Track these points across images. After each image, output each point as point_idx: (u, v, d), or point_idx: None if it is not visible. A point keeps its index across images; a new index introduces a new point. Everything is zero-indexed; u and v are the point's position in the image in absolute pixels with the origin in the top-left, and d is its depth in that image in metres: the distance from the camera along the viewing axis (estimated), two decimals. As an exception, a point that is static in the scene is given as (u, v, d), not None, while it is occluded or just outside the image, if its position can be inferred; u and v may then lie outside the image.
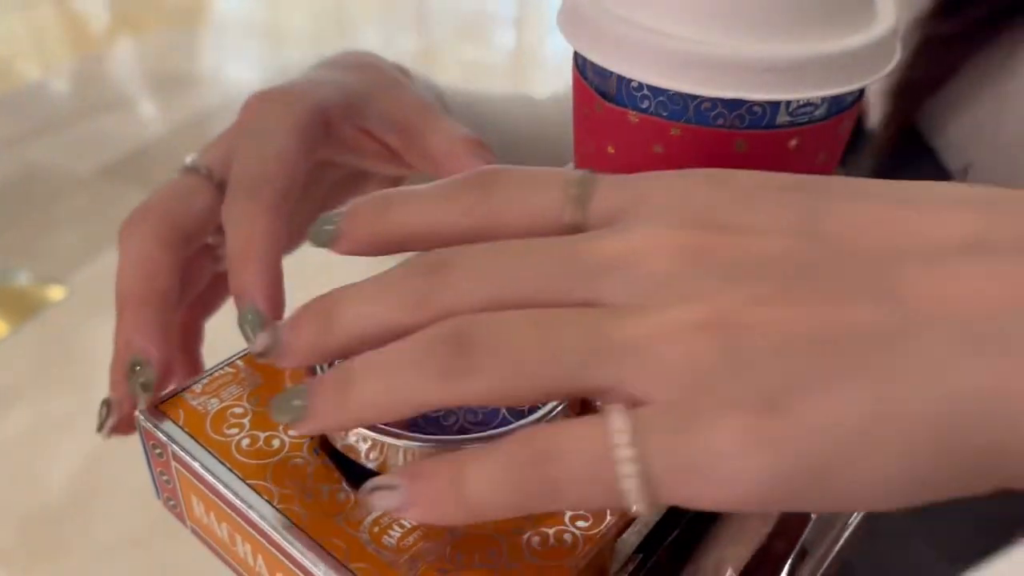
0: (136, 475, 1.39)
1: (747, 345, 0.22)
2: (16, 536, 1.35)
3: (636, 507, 0.22)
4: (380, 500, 0.25)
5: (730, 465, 0.21)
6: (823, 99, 0.35)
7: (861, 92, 0.37)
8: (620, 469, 0.22)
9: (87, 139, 2.42)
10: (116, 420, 0.35)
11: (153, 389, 0.33)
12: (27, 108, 2.58)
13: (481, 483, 0.24)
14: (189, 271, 0.37)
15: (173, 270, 0.35)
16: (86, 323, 1.75)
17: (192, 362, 0.41)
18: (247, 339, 0.31)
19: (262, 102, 0.37)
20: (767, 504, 0.22)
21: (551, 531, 0.30)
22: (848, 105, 0.37)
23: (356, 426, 0.29)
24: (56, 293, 1.85)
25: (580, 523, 0.30)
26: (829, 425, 0.21)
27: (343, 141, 0.38)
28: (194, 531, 0.34)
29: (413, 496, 0.25)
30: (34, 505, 1.40)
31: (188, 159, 0.37)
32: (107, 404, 0.35)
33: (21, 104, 2.60)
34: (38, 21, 3.15)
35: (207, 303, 0.41)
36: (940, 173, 0.48)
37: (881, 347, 0.21)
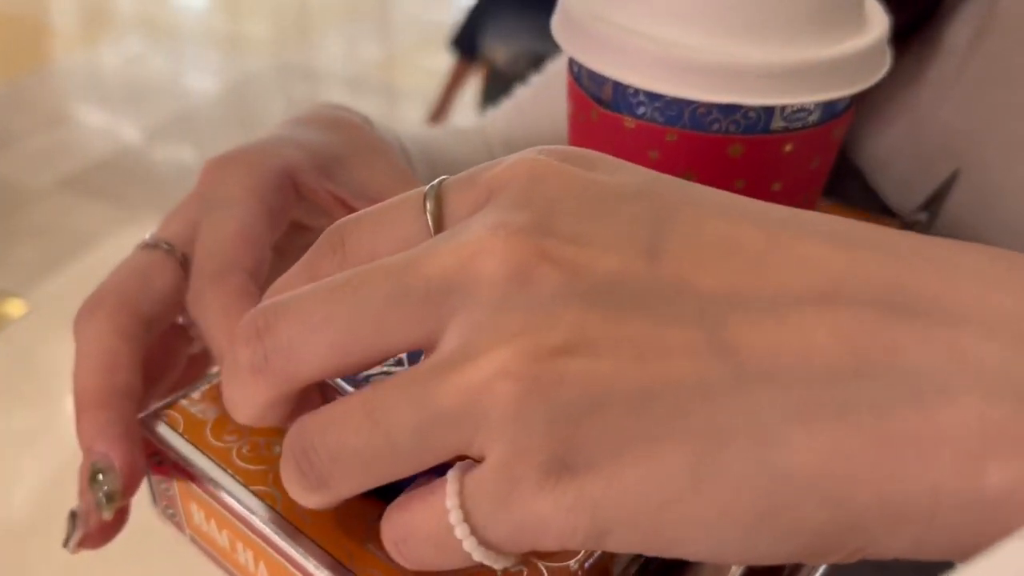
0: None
1: (566, 400, 0.21)
2: (-22, 556, 1.33)
3: (488, 564, 0.23)
4: None
5: (556, 526, 0.21)
6: (817, 105, 0.35)
7: (853, 99, 0.38)
8: (462, 542, 0.22)
9: (44, 151, 2.38)
10: (82, 534, 0.32)
11: (119, 498, 0.31)
12: (-17, 120, 2.54)
13: None
14: (160, 358, 0.35)
15: (134, 363, 0.32)
16: (47, 338, 1.73)
17: None
18: None
19: (222, 167, 0.34)
20: (608, 549, 0.22)
21: None
22: (841, 111, 0.37)
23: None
24: (16, 308, 1.82)
25: None
26: (647, 487, 0.20)
27: (314, 203, 0.36)
28: (193, 540, 0.34)
29: None
30: (-3, 524, 1.38)
31: (147, 236, 0.34)
32: (73, 516, 0.32)
33: (-24, 116, 2.57)
34: (-7, 31, 3.12)
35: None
36: (868, 193, 0.48)
37: (705, 401, 0.20)
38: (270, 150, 0.35)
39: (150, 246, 0.34)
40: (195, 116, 2.52)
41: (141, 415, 0.33)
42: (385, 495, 0.32)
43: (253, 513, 0.30)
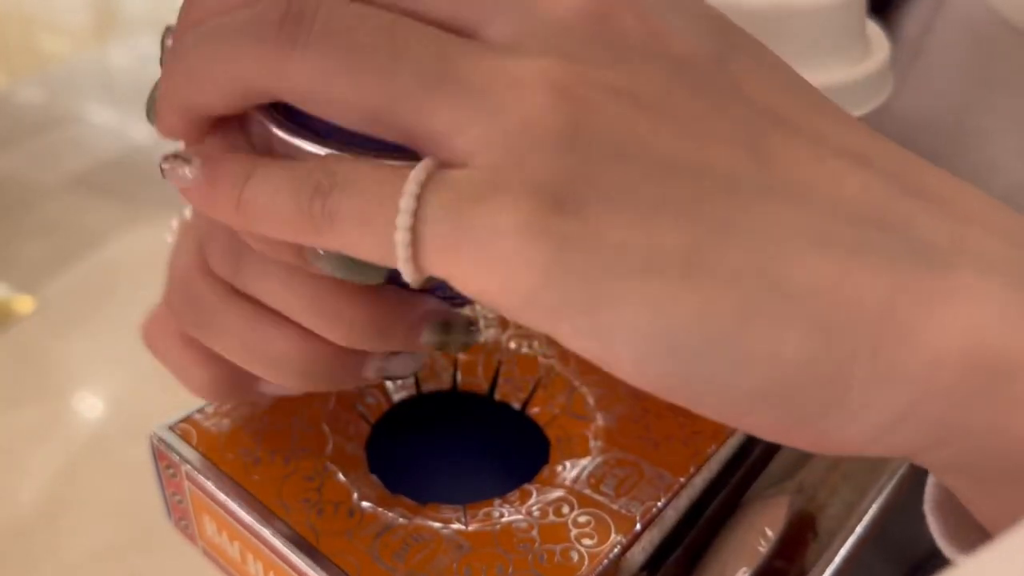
0: (106, 490, 1.39)
1: (592, 130, 0.19)
2: (-16, 551, 1.34)
3: (402, 269, 0.20)
4: (171, 168, 0.25)
5: (504, 245, 0.19)
6: None
7: None
8: (397, 219, 0.20)
9: (53, 149, 2.39)
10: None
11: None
12: (-7, 118, 2.55)
13: (265, 188, 0.22)
14: None
15: None
16: (56, 335, 1.73)
17: None
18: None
19: None
20: (521, 306, 0.19)
21: (557, 548, 0.31)
22: None
23: (194, 100, 0.27)
24: (25, 305, 1.82)
25: (586, 541, 0.31)
26: (626, 248, 0.19)
27: None
28: (205, 551, 0.35)
29: (200, 175, 0.24)
30: (4, 519, 1.38)
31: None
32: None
33: (-13, 113, 2.58)
34: (1, 29, 3.12)
35: None
36: None
37: (727, 195, 0.20)
38: None
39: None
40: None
41: (155, 428, 0.34)
42: (390, 481, 0.33)
43: (264, 526, 0.31)
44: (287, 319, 0.27)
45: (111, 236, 2.02)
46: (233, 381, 0.31)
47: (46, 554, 1.57)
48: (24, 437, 1.56)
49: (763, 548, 0.34)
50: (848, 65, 0.36)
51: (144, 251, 2.00)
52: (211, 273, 0.29)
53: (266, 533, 0.31)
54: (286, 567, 0.31)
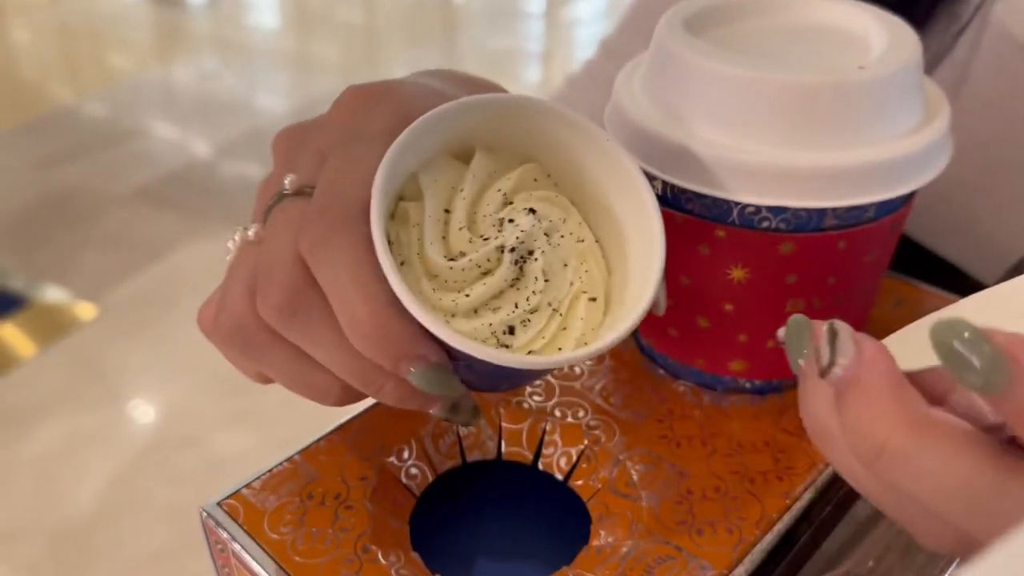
0: (163, 492, 1.41)
1: None
2: (45, 550, 1.36)
3: None
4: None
5: None
6: (873, 203, 0.34)
7: (917, 190, 0.36)
8: None
9: (118, 162, 2.45)
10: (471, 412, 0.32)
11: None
12: (61, 131, 2.62)
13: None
14: None
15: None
16: (116, 342, 1.77)
17: None
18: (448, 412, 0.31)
19: (370, 98, 0.31)
20: None
21: None
22: (900, 205, 0.36)
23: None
24: (87, 312, 1.87)
25: None
26: None
27: None
28: None
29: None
30: (63, 520, 1.41)
31: (287, 180, 0.30)
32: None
33: (55, 127, 2.65)
34: (71, 46, 3.22)
35: None
36: None
37: None
38: (417, 92, 0.32)
39: (297, 194, 0.30)
40: (264, 134, 2.57)
41: (205, 505, 0.34)
42: (430, 559, 0.33)
43: None
44: None
45: (172, 247, 2.06)
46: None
47: (103, 554, 1.59)
48: (83, 440, 1.59)
49: None
50: (902, 136, 0.34)
51: (204, 263, 2.04)
52: (261, 311, 0.29)
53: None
54: None
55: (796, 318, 0.26)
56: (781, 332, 0.26)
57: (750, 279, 0.36)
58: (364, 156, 0.29)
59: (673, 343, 0.40)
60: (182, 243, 2.08)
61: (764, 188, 0.33)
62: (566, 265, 0.31)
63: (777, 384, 0.40)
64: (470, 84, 0.34)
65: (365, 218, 0.27)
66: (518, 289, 0.30)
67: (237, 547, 0.33)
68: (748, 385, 0.40)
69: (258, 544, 0.33)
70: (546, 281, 0.30)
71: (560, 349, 0.30)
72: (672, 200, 0.36)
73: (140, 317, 1.85)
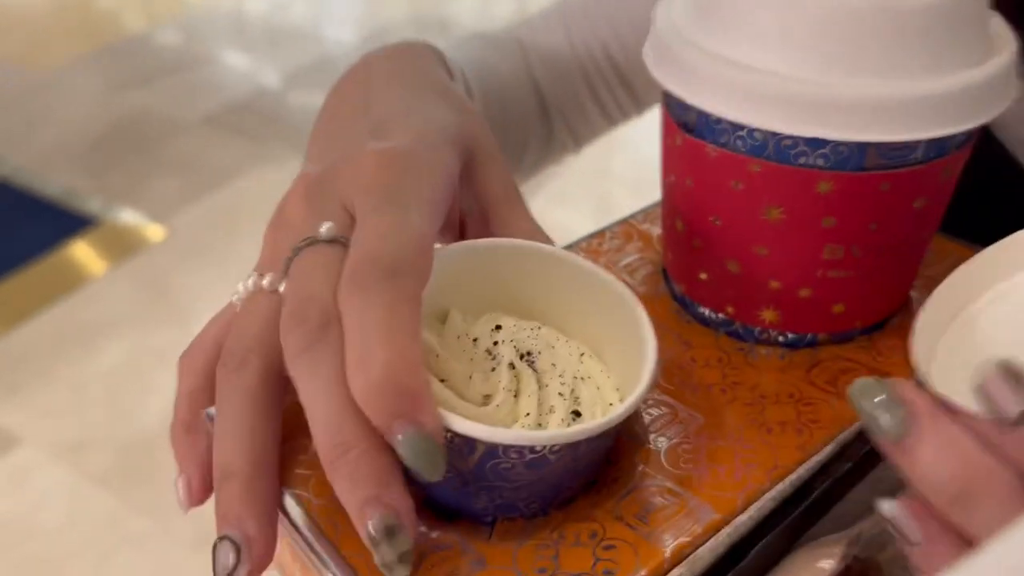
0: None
1: None
2: (116, 460, 1.42)
3: None
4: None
5: None
6: (920, 141, 0.32)
7: (971, 133, 0.34)
8: None
9: (189, 89, 2.49)
10: (251, 566, 0.29)
11: (409, 561, 0.27)
12: (134, 58, 2.66)
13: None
14: None
15: None
16: (184, 263, 1.82)
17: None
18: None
19: (397, 165, 0.31)
20: None
21: None
22: (953, 148, 0.34)
23: None
24: (156, 234, 1.92)
25: (607, 571, 0.29)
26: None
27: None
28: None
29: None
30: (132, 432, 1.47)
31: (323, 228, 0.30)
32: (235, 546, 0.28)
33: (129, 54, 2.69)
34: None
35: None
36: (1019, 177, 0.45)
37: None
38: (438, 151, 0.33)
39: (333, 242, 0.30)
40: (331, 64, 2.58)
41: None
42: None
43: (280, 512, 0.31)
44: None
45: (238, 173, 2.10)
46: None
47: (168, 465, 1.62)
48: (150, 357, 1.64)
49: None
50: (957, 70, 0.31)
51: (268, 189, 2.06)
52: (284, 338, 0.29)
53: (282, 518, 0.31)
54: (300, 550, 0.30)
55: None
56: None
57: (785, 220, 0.34)
58: (402, 222, 0.29)
59: (703, 288, 0.38)
60: (248, 169, 2.11)
61: (802, 118, 0.31)
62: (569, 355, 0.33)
63: (811, 338, 0.38)
64: (445, 99, 0.36)
65: (409, 279, 0.28)
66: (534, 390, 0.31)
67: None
68: (780, 338, 0.38)
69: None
70: (552, 365, 0.32)
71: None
72: (706, 131, 0.34)
73: (206, 240, 1.89)
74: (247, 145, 2.22)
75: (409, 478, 0.31)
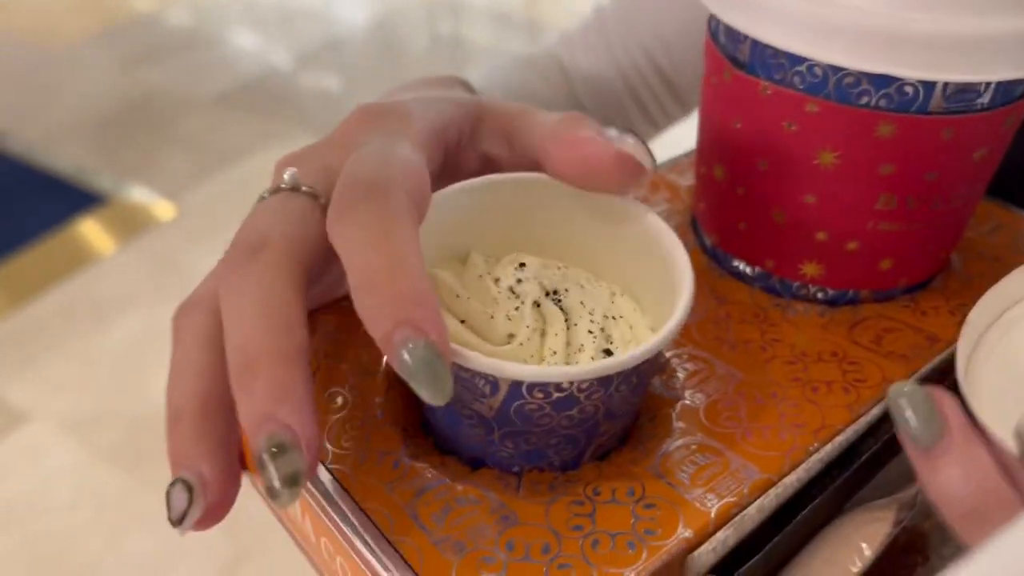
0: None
1: None
2: (126, 437, 1.42)
3: None
4: None
5: None
6: (988, 85, 0.30)
7: None
8: None
9: (200, 67, 2.48)
10: (203, 510, 0.25)
11: (302, 480, 0.24)
12: (145, 36, 2.65)
13: None
14: None
15: (305, 319, 0.26)
16: (194, 241, 1.81)
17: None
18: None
19: (378, 116, 0.30)
20: None
21: (614, 535, 0.27)
22: (1019, 96, 0.32)
23: None
24: (166, 212, 1.91)
25: (648, 532, 0.27)
26: None
27: (457, 169, 0.33)
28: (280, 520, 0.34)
29: None
30: (141, 409, 1.46)
31: (287, 174, 0.29)
32: (188, 489, 0.25)
33: (141, 32, 2.68)
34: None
35: None
36: None
37: None
38: (422, 107, 0.31)
39: (293, 190, 0.28)
40: (342, 45, 2.57)
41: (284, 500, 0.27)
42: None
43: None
44: None
45: (249, 152, 2.09)
46: None
47: None
48: (160, 335, 1.62)
49: (856, 568, 0.29)
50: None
51: (279, 168, 2.06)
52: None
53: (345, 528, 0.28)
54: (318, 511, 0.28)
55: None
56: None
57: (839, 166, 0.32)
58: (384, 148, 0.28)
59: (741, 239, 0.36)
60: (258, 149, 2.10)
61: (869, 53, 0.29)
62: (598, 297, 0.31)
63: (853, 295, 0.36)
64: (451, 86, 0.36)
65: (396, 195, 0.26)
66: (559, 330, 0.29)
67: None
68: (820, 294, 0.36)
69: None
70: (581, 303, 0.30)
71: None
72: (759, 66, 0.32)
73: (216, 218, 1.88)
74: (257, 124, 2.21)
75: (429, 424, 0.30)
